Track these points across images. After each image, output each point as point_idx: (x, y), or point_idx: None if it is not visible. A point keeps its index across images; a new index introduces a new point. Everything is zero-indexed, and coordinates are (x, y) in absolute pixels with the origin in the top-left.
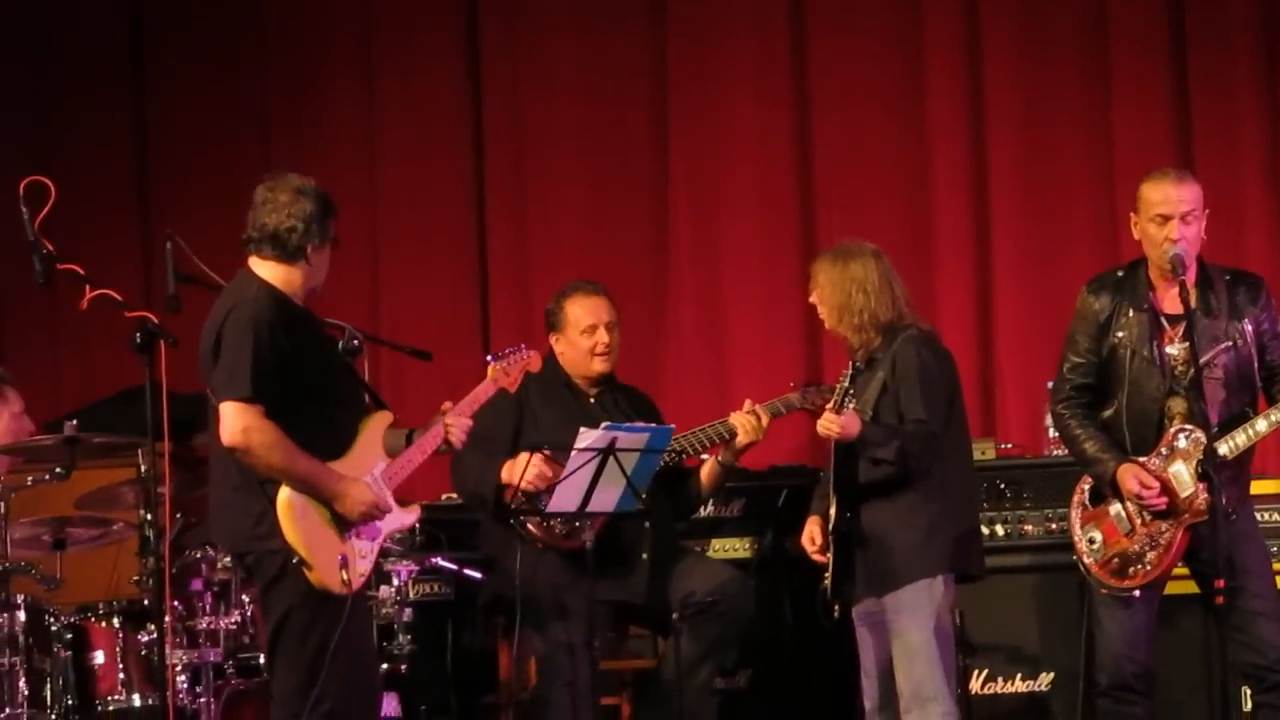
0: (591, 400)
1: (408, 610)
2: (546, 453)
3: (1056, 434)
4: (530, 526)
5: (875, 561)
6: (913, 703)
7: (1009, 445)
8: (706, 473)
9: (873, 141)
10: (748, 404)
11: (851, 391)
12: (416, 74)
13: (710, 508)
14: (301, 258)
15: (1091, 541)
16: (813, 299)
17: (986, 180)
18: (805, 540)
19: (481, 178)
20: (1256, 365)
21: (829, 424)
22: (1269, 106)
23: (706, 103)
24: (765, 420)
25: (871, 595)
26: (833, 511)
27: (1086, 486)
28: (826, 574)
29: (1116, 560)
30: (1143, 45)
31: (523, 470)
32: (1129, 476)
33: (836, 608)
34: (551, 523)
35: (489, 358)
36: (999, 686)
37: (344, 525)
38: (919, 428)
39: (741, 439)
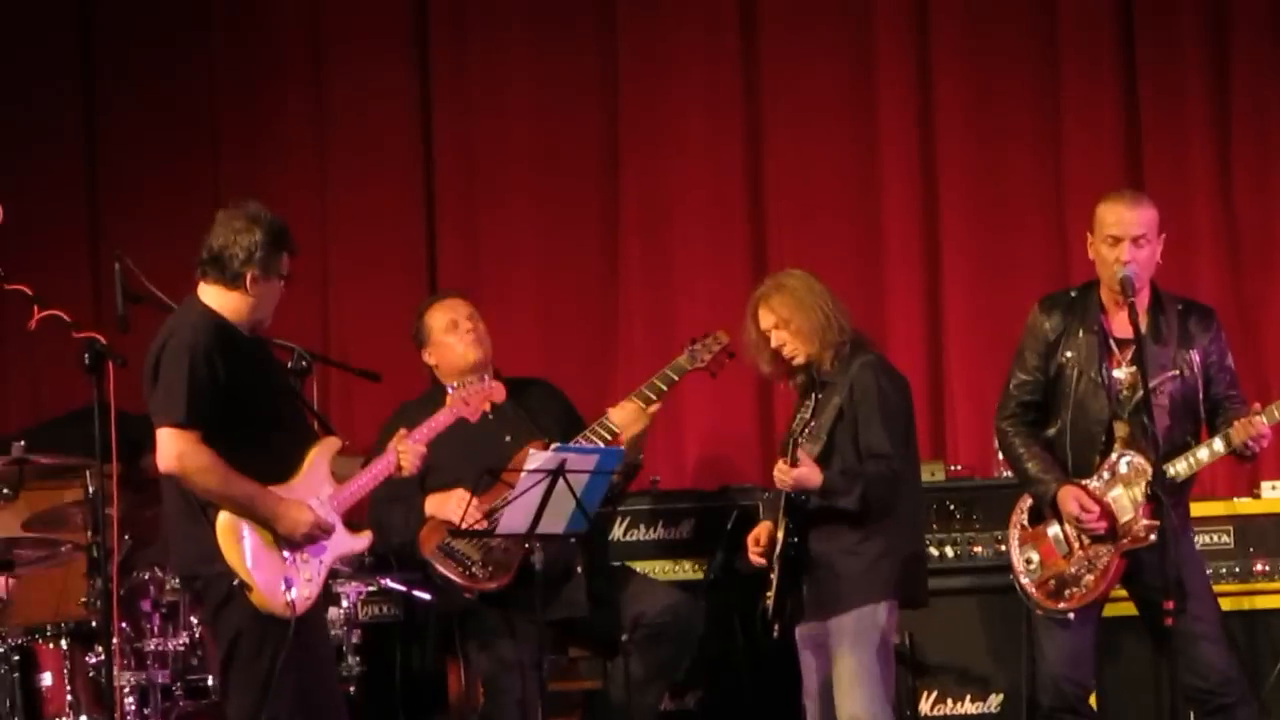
0: (490, 417)
1: (356, 631)
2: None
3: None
4: (452, 576)
5: (821, 585)
6: None
7: (959, 467)
8: None
9: (824, 159)
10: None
11: (802, 442)
12: (367, 94)
13: (660, 529)
14: (241, 285)
15: (1029, 562)
16: (777, 342)
17: (937, 197)
18: (750, 540)
19: (432, 197)
20: (1201, 396)
21: (784, 476)
22: (1219, 124)
23: (657, 120)
24: (646, 405)
25: (815, 619)
26: (780, 534)
27: (1026, 506)
28: (769, 593)
29: (1053, 582)
30: (1093, 62)
31: (464, 511)
32: (1069, 498)
33: (776, 627)
34: (473, 569)
35: (449, 387)
36: (949, 708)
37: (287, 547)
38: (880, 468)
39: (627, 433)
